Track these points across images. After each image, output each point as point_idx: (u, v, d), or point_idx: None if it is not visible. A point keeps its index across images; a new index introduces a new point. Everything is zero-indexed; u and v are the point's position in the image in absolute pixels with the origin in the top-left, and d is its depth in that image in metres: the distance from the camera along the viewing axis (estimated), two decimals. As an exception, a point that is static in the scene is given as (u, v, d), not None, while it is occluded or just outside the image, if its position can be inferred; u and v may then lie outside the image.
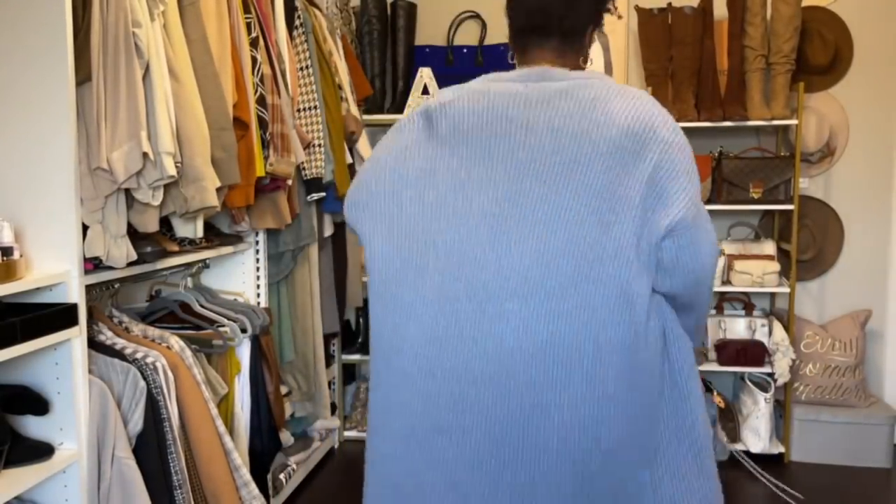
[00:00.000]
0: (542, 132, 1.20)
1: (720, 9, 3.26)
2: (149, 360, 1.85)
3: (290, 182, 2.46)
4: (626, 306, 1.13)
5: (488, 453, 1.12)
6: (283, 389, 2.72)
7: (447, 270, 1.16)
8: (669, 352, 1.23)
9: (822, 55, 3.29)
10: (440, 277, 1.16)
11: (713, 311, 3.43)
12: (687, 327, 1.27)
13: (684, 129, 3.33)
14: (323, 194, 2.69)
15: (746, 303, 3.41)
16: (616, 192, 1.15)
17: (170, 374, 1.89)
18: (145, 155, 1.68)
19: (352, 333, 3.63)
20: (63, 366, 1.67)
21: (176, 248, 2.07)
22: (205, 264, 2.48)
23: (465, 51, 3.59)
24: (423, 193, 1.21)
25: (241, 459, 2.09)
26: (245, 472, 2.09)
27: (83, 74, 1.66)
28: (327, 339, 3.29)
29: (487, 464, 1.12)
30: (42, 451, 1.64)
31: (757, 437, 3.16)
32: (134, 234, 1.84)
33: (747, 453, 3.25)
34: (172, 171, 1.73)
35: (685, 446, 1.21)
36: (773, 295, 3.46)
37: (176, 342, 2.01)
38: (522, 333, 1.11)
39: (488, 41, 3.61)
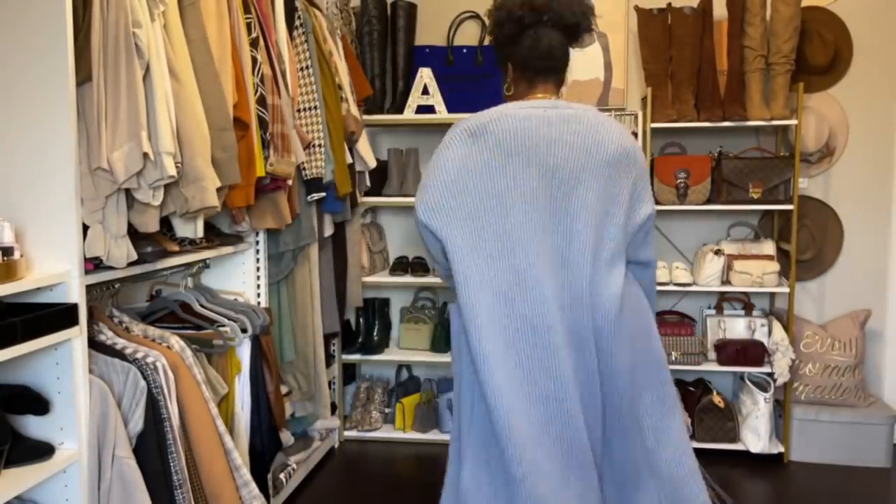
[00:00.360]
0: (562, 145, 1.69)
1: (720, 9, 3.27)
2: (149, 359, 1.85)
3: (290, 182, 2.47)
4: (621, 263, 1.70)
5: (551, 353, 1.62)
6: (283, 389, 2.73)
7: (511, 249, 1.64)
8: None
9: (821, 55, 3.29)
10: (507, 255, 1.64)
11: (713, 311, 3.43)
12: (648, 288, 1.84)
13: (684, 129, 3.34)
14: (323, 194, 2.69)
15: (746, 303, 3.42)
16: (611, 192, 1.70)
17: (170, 373, 1.89)
18: (146, 155, 1.68)
19: (352, 333, 3.63)
20: (63, 366, 1.68)
21: (176, 248, 2.07)
22: (205, 264, 2.49)
23: (465, 51, 3.60)
24: (484, 195, 1.66)
25: (241, 459, 2.10)
26: (245, 472, 2.10)
27: (83, 74, 1.66)
28: (327, 339, 3.29)
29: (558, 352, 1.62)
30: (42, 450, 1.64)
31: (756, 436, 3.17)
32: (134, 234, 1.84)
33: (747, 453, 3.25)
34: (173, 171, 1.74)
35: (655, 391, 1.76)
36: (772, 295, 3.46)
37: (176, 342, 2.01)
38: (569, 280, 1.65)
39: (488, 41, 3.62)
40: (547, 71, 1.79)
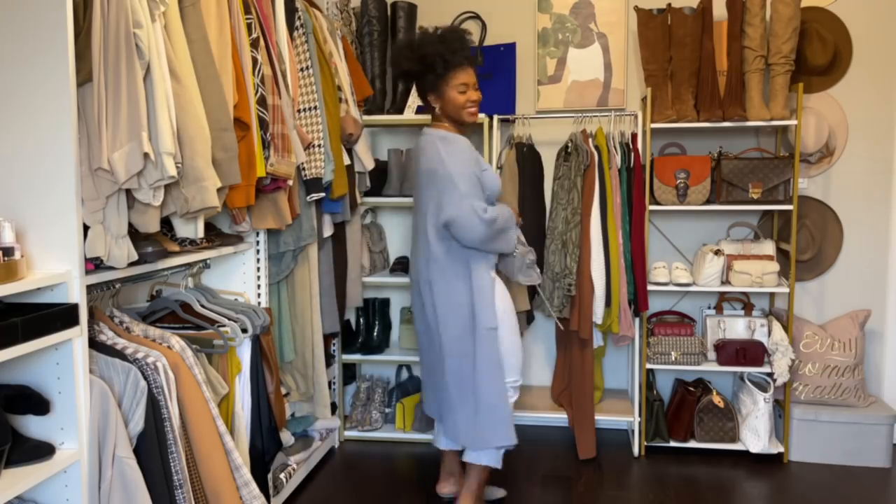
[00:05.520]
0: (417, 166, 2.60)
1: (720, 9, 3.27)
2: (150, 359, 1.85)
3: (290, 182, 2.47)
4: (434, 255, 2.53)
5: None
6: (283, 390, 2.73)
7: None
8: (471, 272, 2.54)
9: (821, 56, 3.30)
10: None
11: (713, 311, 3.44)
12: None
13: (683, 129, 3.35)
14: (323, 194, 2.69)
15: (746, 303, 3.42)
16: (426, 199, 2.54)
17: (170, 373, 1.90)
18: (146, 155, 1.69)
19: (352, 333, 3.63)
20: (64, 366, 1.68)
21: (177, 248, 2.07)
22: (205, 264, 2.49)
23: (464, 51, 3.59)
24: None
25: (241, 459, 2.10)
26: (245, 472, 2.10)
27: (84, 75, 1.66)
28: (328, 339, 3.29)
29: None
30: (43, 450, 1.64)
31: (756, 436, 3.17)
32: (135, 234, 1.84)
33: (747, 453, 3.25)
34: (173, 171, 1.74)
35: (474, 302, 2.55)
36: (772, 295, 3.47)
37: (177, 342, 2.01)
38: (415, 267, 2.67)
39: (488, 41, 3.62)
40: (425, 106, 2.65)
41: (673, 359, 3.25)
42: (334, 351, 3.44)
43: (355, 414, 3.57)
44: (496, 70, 3.57)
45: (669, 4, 3.24)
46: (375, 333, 3.58)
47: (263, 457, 2.38)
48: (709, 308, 3.48)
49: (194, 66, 1.91)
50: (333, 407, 3.41)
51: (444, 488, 2.85)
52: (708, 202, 3.23)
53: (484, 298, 2.50)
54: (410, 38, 2.64)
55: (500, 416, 2.50)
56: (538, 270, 2.68)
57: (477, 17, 3.63)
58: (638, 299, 3.18)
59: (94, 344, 1.83)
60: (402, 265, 3.54)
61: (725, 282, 3.26)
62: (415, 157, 2.57)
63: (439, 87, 2.53)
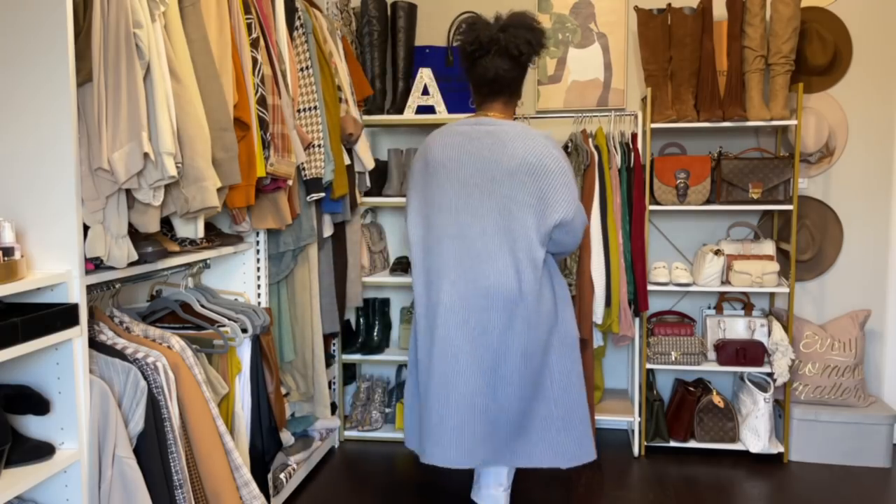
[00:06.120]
0: (476, 158, 2.18)
1: (720, 9, 3.27)
2: (150, 359, 1.85)
3: (290, 182, 2.47)
4: (532, 261, 2.15)
5: (463, 320, 2.17)
6: (283, 390, 2.73)
7: (429, 248, 2.24)
8: (552, 278, 2.26)
9: (821, 56, 3.30)
10: (437, 244, 2.21)
11: (713, 311, 3.44)
12: (558, 261, 2.55)
13: (683, 129, 3.35)
14: (322, 194, 2.70)
15: (746, 303, 3.42)
16: (517, 198, 2.14)
17: (171, 373, 1.90)
18: (146, 155, 1.69)
19: (352, 333, 3.63)
20: (64, 366, 1.68)
21: (177, 248, 2.07)
22: (205, 264, 2.49)
23: (464, 51, 3.59)
24: (424, 200, 2.28)
25: (241, 459, 2.10)
26: (245, 472, 2.10)
27: (84, 75, 1.66)
28: (328, 339, 3.29)
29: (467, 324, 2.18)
30: (43, 450, 1.64)
31: (756, 436, 3.17)
32: (135, 234, 1.84)
33: (747, 453, 3.25)
34: (173, 171, 1.74)
35: (557, 308, 2.25)
36: (772, 295, 3.47)
37: (177, 342, 2.01)
38: (479, 277, 2.15)
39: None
40: (492, 93, 2.26)
41: (673, 359, 3.25)
42: (334, 351, 3.44)
43: (355, 414, 3.57)
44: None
45: (669, 4, 3.24)
46: (375, 333, 3.58)
47: (263, 457, 2.38)
48: (709, 308, 3.48)
49: (194, 66, 1.92)
50: (333, 407, 3.41)
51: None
52: (708, 202, 3.23)
53: (571, 307, 2.30)
54: (522, 19, 2.24)
55: (588, 428, 2.28)
56: None
57: (477, 17, 3.62)
58: (638, 299, 3.18)
59: (94, 344, 1.83)
60: (401, 265, 3.54)
61: (725, 282, 3.26)
62: (475, 147, 2.17)
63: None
